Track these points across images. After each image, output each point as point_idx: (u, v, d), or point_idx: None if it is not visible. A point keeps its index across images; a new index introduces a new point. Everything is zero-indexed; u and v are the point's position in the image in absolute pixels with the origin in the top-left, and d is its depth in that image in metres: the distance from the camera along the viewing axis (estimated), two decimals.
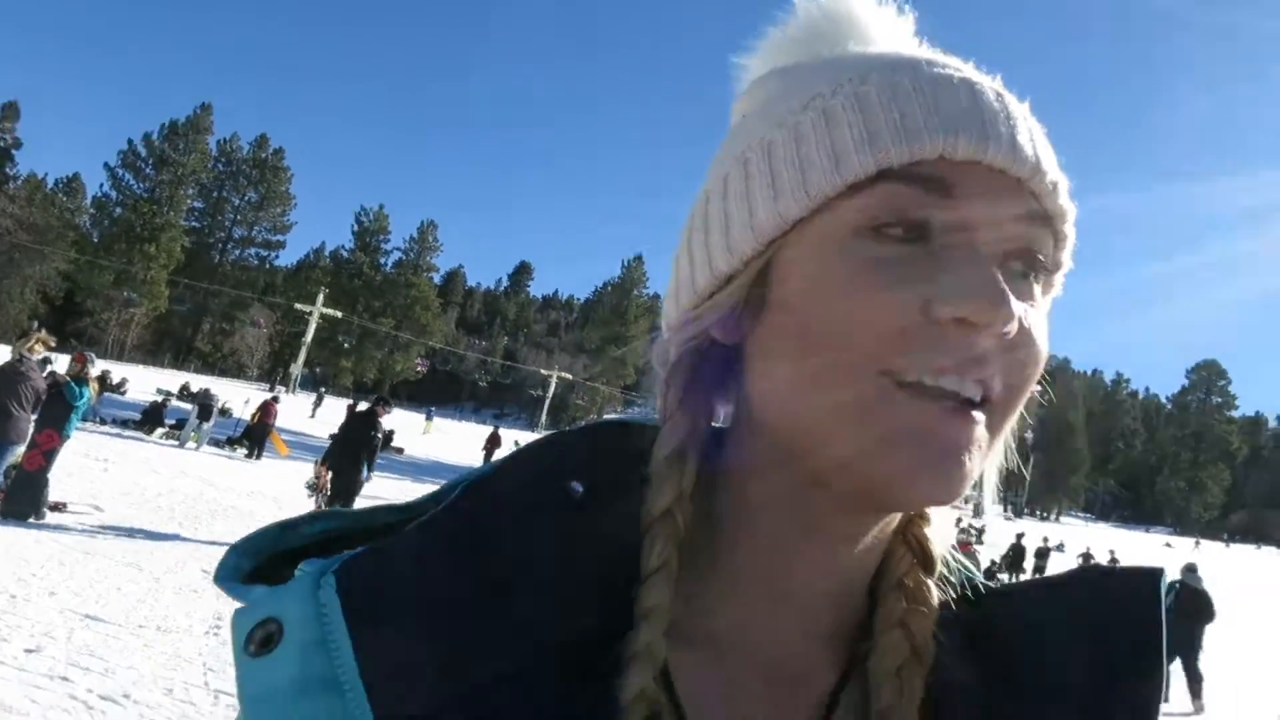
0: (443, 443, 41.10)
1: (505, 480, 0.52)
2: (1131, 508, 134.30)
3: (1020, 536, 29.07)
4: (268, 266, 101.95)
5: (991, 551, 30.47)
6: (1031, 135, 0.49)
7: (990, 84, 0.50)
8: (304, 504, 14.12)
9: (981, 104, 0.48)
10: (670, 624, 0.48)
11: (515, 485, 0.52)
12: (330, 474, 11.19)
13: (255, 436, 20.81)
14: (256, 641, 0.45)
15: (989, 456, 0.48)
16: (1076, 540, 43.46)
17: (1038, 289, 0.49)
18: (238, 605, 0.47)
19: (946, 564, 0.56)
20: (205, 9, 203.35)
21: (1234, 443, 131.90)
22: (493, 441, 30.18)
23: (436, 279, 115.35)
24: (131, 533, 9.29)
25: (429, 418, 54.34)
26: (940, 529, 0.57)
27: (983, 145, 0.46)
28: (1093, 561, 32.00)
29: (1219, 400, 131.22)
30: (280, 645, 0.44)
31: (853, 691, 0.53)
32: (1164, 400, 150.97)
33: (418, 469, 26.86)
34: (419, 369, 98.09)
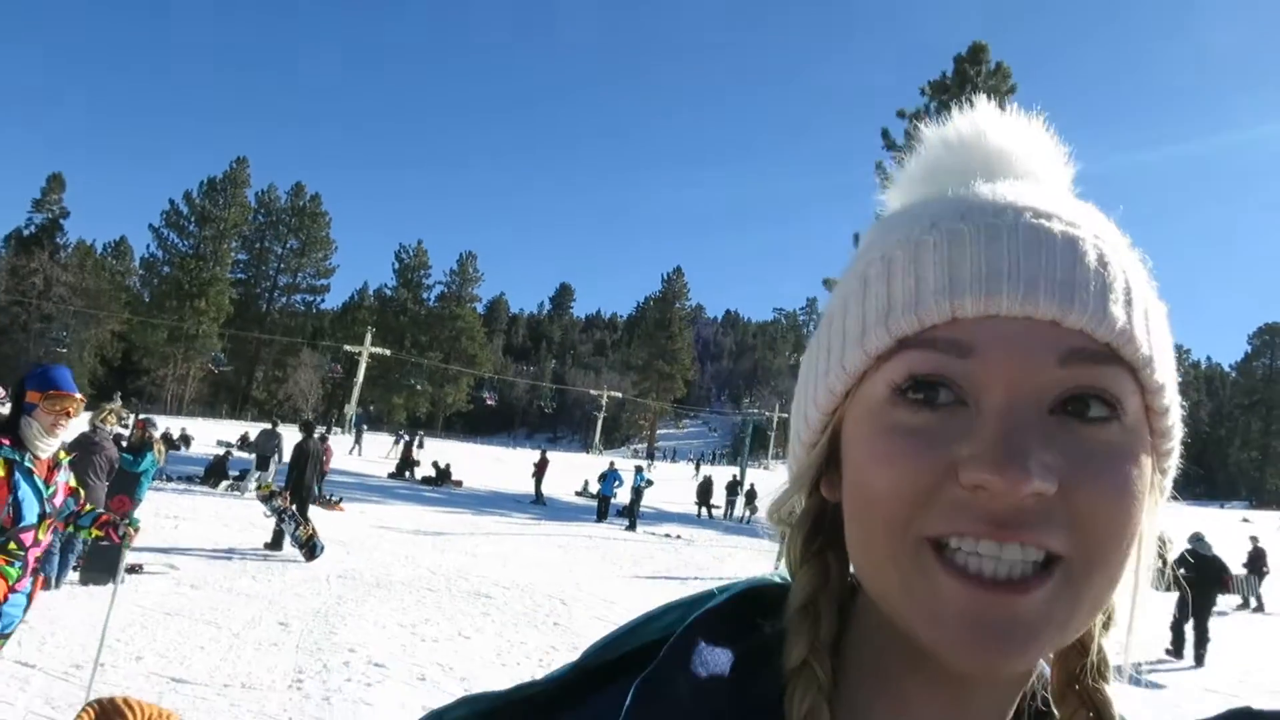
0: (499, 471, 41.27)
1: (672, 683, 0.52)
2: (1204, 484, 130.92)
3: None
4: (314, 311, 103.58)
5: None
6: (1076, 266, 0.46)
7: (1048, 219, 0.48)
8: (371, 545, 14.25)
9: (1004, 251, 0.47)
10: None
11: (681, 686, 0.51)
12: (290, 496, 13.21)
13: (315, 483, 21.04)
14: None
15: (1081, 613, 0.46)
16: (1151, 524, 42.36)
17: (1111, 427, 0.46)
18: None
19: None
20: (230, 67, 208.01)
21: None
22: (541, 465, 30.24)
23: (480, 308, 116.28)
24: (208, 589, 9.42)
25: (419, 444, 46.90)
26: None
27: (993, 299, 0.46)
28: (1190, 547, 31.44)
29: None
30: None
31: None
32: (1227, 369, 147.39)
33: (478, 500, 27.01)
34: (489, 401, 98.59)
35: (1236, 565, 18.03)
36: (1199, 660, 12.62)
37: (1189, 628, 12.75)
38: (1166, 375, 0.49)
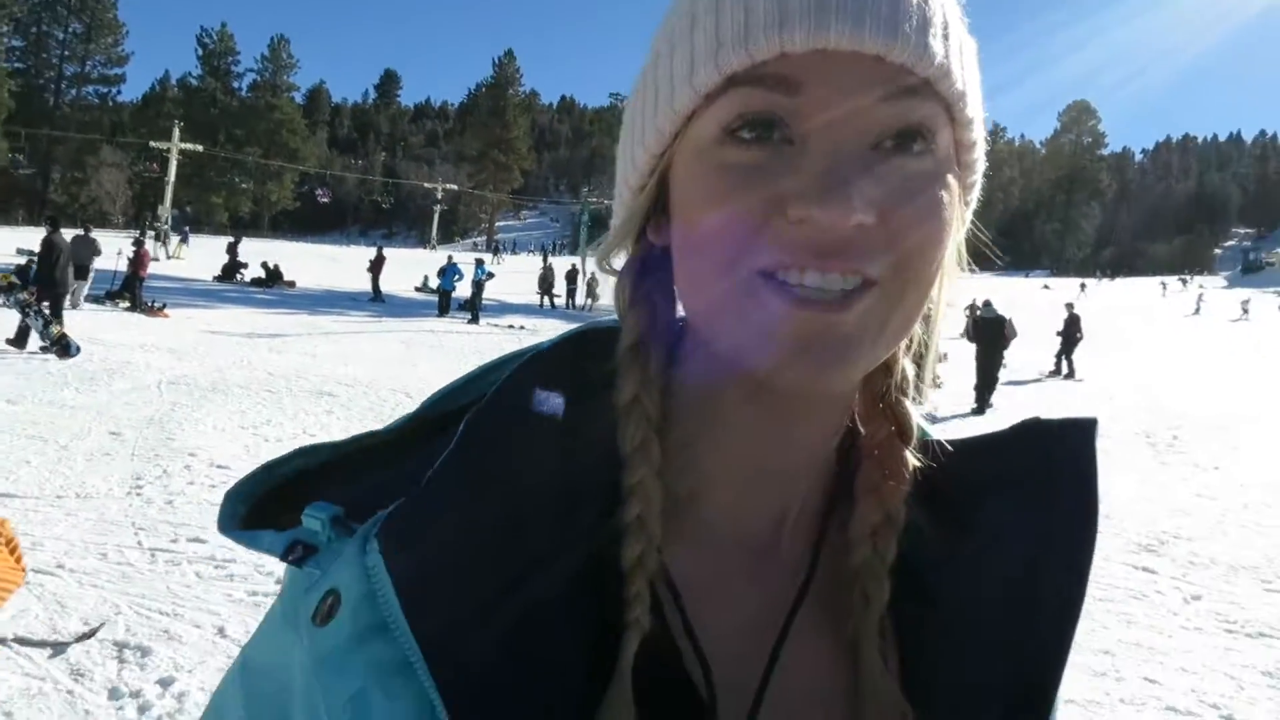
0: (334, 271, 40.02)
1: (501, 419, 0.54)
2: (1010, 254, 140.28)
3: None
4: (111, 104, 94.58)
5: None
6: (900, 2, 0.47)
7: None
8: (203, 350, 13.78)
9: None
10: (661, 513, 0.52)
11: (511, 421, 0.54)
12: (38, 293, 13.03)
13: (133, 287, 19.94)
14: (322, 614, 0.50)
15: (892, 329, 0.49)
16: (962, 294, 45.55)
17: (926, 159, 0.48)
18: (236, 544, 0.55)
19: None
20: None
21: (1104, 180, 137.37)
22: (378, 262, 29.46)
23: (298, 98, 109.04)
24: (26, 403, 8.96)
25: (184, 240, 46.15)
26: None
27: (821, 33, 0.45)
28: (979, 312, 33.84)
29: (1089, 140, 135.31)
30: (340, 610, 0.49)
31: (829, 555, 0.58)
32: (1038, 145, 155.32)
33: (313, 300, 26.27)
34: (323, 199, 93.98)
35: (1039, 328, 19.78)
36: (980, 408, 14.06)
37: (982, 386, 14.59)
38: (975, 110, 0.51)
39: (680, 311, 0.56)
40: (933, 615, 0.57)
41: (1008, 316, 15.75)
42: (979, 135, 0.53)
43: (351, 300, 27.51)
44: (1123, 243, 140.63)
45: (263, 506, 0.58)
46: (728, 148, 0.48)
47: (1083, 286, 60.17)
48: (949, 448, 0.60)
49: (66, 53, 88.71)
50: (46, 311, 12.13)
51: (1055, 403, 14.93)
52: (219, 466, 7.17)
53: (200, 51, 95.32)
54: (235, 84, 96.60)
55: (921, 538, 0.58)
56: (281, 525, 0.55)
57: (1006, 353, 15.62)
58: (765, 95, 0.47)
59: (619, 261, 0.59)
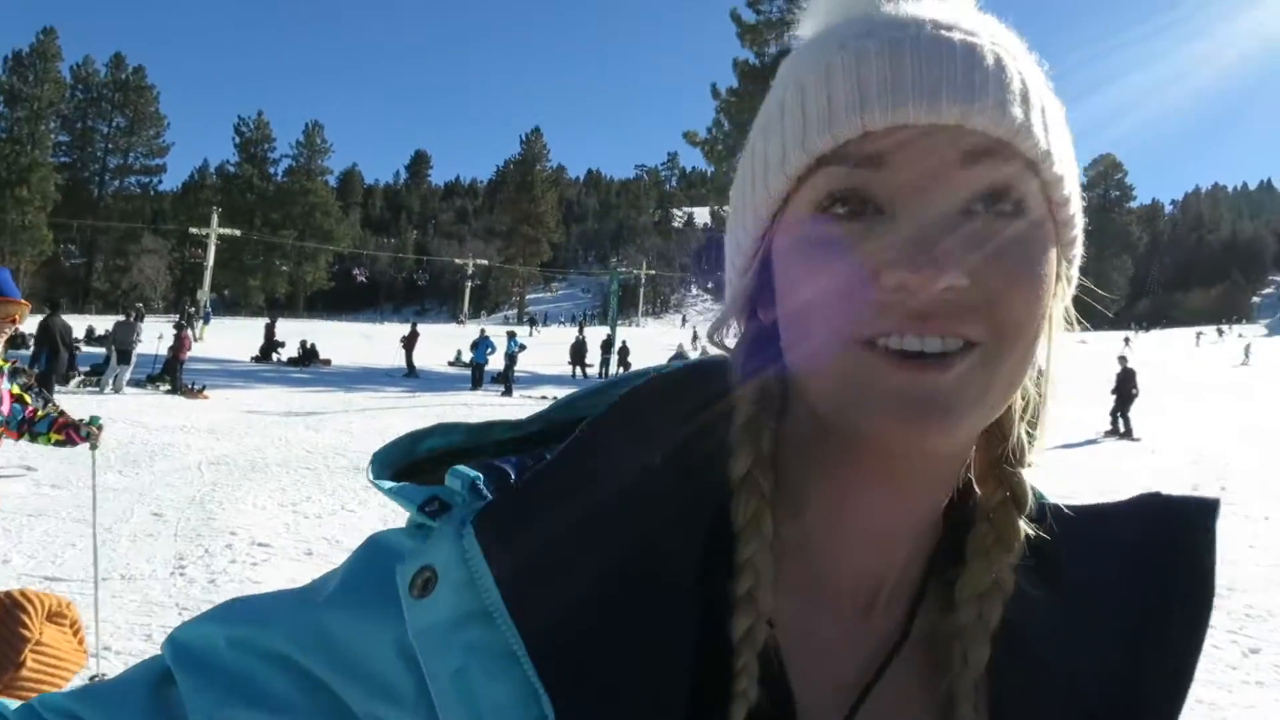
0: (368, 348, 40.54)
1: (613, 429, 0.57)
2: None
3: None
4: (153, 193, 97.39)
5: None
6: (975, 70, 0.49)
7: (948, 29, 0.51)
8: (242, 430, 13.95)
9: (906, 63, 0.49)
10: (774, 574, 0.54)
11: (623, 432, 0.56)
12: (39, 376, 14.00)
13: (174, 371, 20.29)
14: (418, 587, 0.51)
15: (996, 390, 0.50)
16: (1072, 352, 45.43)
17: (1016, 220, 0.50)
18: (377, 532, 0.58)
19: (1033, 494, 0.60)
20: None
21: (1134, 233, 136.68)
22: (411, 338, 29.84)
23: (332, 181, 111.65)
24: (71, 488, 9.09)
25: (206, 322, 44.85)
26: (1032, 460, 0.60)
27: (900, 109, 0.48)
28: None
29: (1117, 194, 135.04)
30: (437, 588, 0.51)
31: (925, 615, 0.59)
32: None
33: (348, 378, 26.57)
34: (360, 278, 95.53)
35: (1079, 383, 19.57)
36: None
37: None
38: (1065, 167, 0.52)
39: (789, 383, 0.58)
40: (1026, 677, 0.57)
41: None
42: (1072, 191, 0.54)
43: (386, 376, 27.79)
44: (1157, 294, 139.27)
45: (403, 473, 0.61)
46: (821, 224, 0.51)
47: (1126, 341, 58.97)
48: (1066, 514, 0.61)
49: (110, 146, 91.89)
50: (45, 393, 12.31)
51: (1110, 466, 14.65)
52: (260, 544, 7.22)
53: (238, 139, 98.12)
54: (271, 169, 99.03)
55: (1026, 601, 0.58)
56: (420, 483, 0.58)
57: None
58: (852, 172, 0.50)
59: (730, 340, 0.61)
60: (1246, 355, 51.26)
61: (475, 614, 0.50)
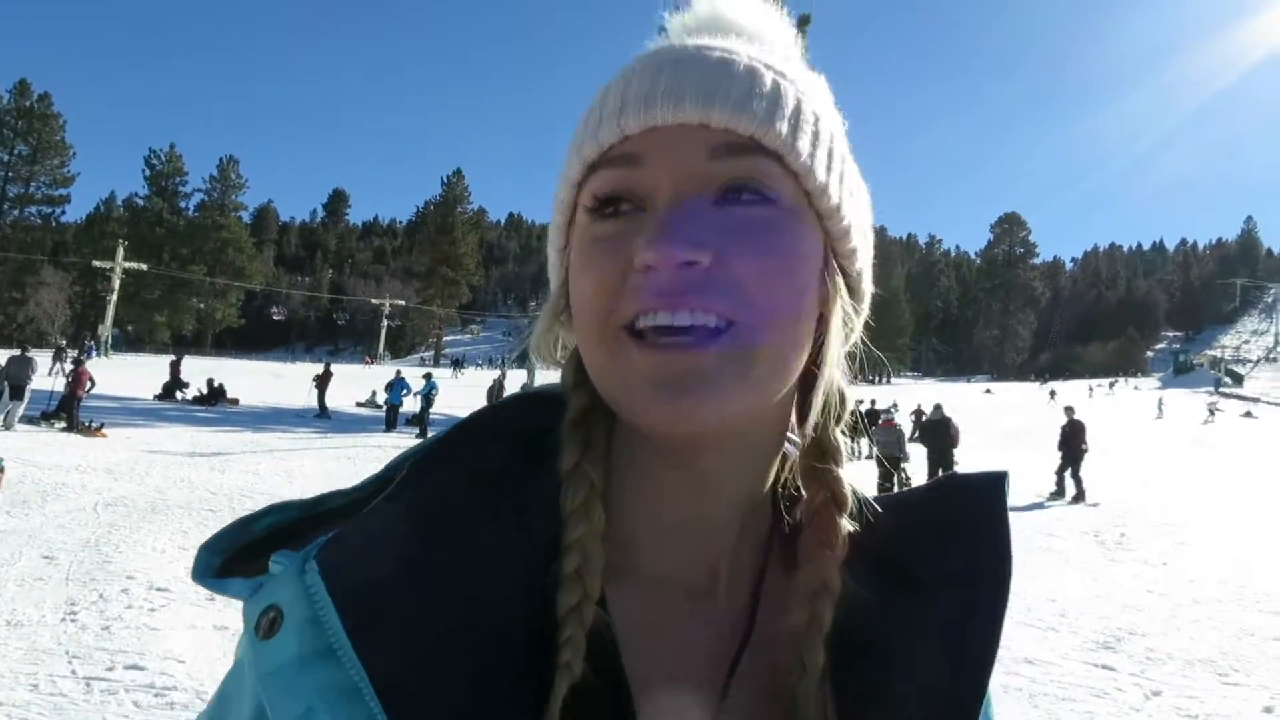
0: (278, 387, 39.47)
1: (445, 467, 0.58)
2: (953, 361, 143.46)
3: (859, 403, 30.48)
4: (54, 224, 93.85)
5: None
6: (722, 78, 0.54)
7: (709, 50, 0.56)
8: (142, 470, 13.39)
9: (662, 75, 0.54)
10: (606, 565, 0.56)
11: (455, 468, 0.58)
12: None
13: (70, 408, 19.45)
14: (264, 628, 0.51)
15: (759, 370, 0.52)
16: (909, 399, 46.17)
17: (761, 207, 0.53)
18: (222, 596, 0.57)
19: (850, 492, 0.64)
20: None
21: (1038, 288, 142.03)
22: (324, 377, 29.16)
23: (246, 217, 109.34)
24: None
25: (89, 356, 42.89)
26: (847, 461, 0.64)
27: (650, 113, 0.53)
28: (924, 417, 34.56)
29: (1021, 250, 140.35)
30: (282, 628, 0.51)
31: (769, 608, 0.62)
32: (973, 256, 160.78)
33: (257, 418, 25.81)
34: (276, 317, 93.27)
35: (986, 430, 19.95)
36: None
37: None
38: (819, 161, 0.56)
39: None
40: (869, 669, 0.60)
41: (952, 419, 16.82)
42: (832, 185, 0.57)
43: (297, 417, 27.06)
44: (1059, 347, 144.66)
45: (234, 560, 0.60)
46: (593, 224, 0.55)
47: (1052, 393, 58.05)
48: (876, 507, 0.65)
49: (10, 174, 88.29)
50: None
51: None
52: (159, 589, 6.90)
53: (148, 172, 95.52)
54: (182, 204, 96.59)
55: (858, 598, 0.60)
56: (250, 575, 0.57)
57: (956, 451, 16.48)
58: (614, 173, 0.54)
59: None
60: (1160, 410, 51.62)
61: (320, 652, 0.49)
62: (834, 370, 0.60)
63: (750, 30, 0.61)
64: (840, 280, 0.59)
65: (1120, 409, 49.43)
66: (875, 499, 0.66)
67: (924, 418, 34.67)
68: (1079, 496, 15.85)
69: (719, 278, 0.51)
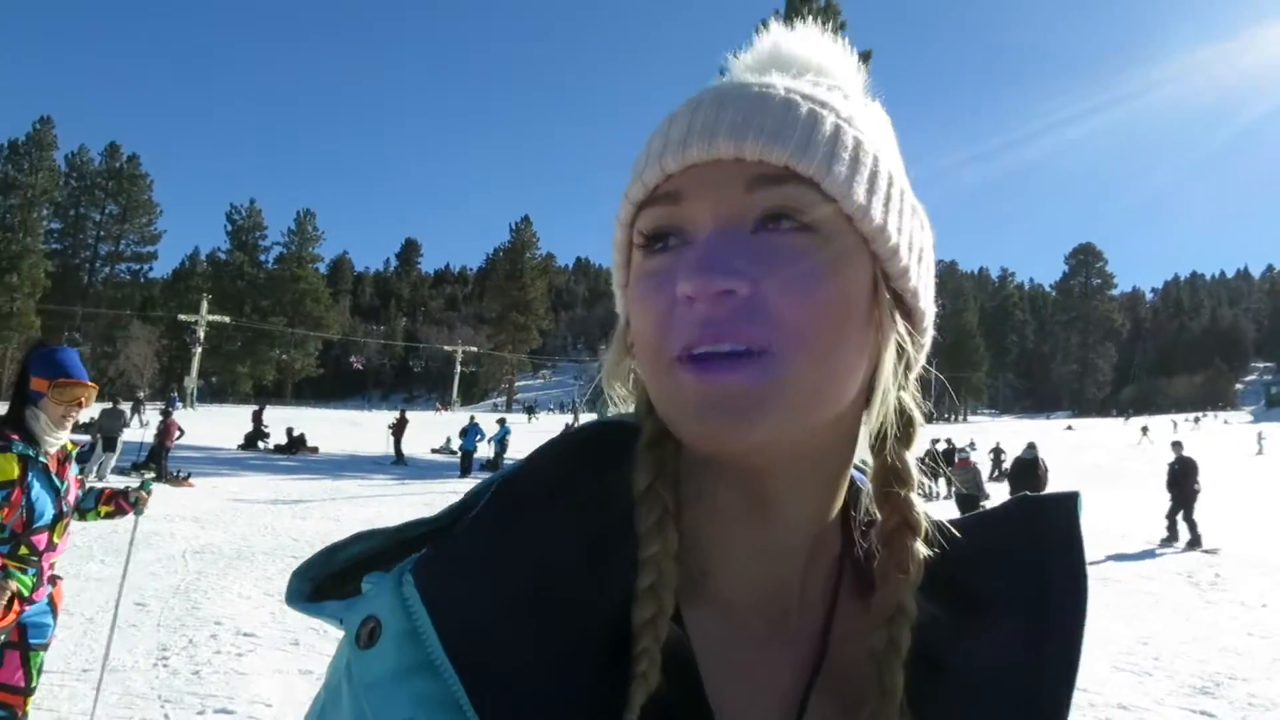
0: (355, 435, 40.32)
1: (524, 485, 0.60)
2: (1031, 397, 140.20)
3: (935, 442, 30.06)
4: (142, 280, 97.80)
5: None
6: (757, 112, 0.55)
7: (745, 85, 0.58)
8: (227, 518, 13.76)
9: (700, 114, 0.56)
10: (680, 588, 0.57)
11: (526, 485, 0.60)
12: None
13: (159, 458, 20.11)
14: (364, 637, 0.53)
15: (796, 393, 0.53)
16: (986, 437, 45.14)
17: (799, 235, 0.54)
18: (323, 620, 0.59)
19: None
20: (28, 15, 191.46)
21: (1117, 320, 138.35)
22: (400, 424, 29.74)
23: (322, 268, 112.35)
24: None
25: (172, 407, 48.03)
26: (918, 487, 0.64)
27: (687, 152, 0.55)
28: (1004, 455, 33.62)
29: (1098, 282, 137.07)
30: (381, 639, 0.53)
31: (843, 632, 0.63)
32: (1048, 288, 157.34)
33: (335, 465, 26.37)
34: (357, 366, 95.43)
35: (1067, 469, 19.41)
36: None
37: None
38: (858, 185, 0.56)
39: None
40: (946, 693, 0.61)
41: (1042, 458, 16.44)
42: (877, 211, 0.57)
43: (374, 464, 27.58)
44: (1142, 380, 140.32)
45: (325, 586, 0.62)
46: (645, 260, 0.58)
47: (1144, 430, 54.32)
48: (951, 530, 0.65)
49: (102, 233, 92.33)
50: None
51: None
52: (245, 634, 7.07)
53: (229, 227, 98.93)
54: (262, 257, 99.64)
55: (935, 621, 0.61)
56: (342, 598, 0.59)
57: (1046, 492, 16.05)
58: (658, 210, 0.57)
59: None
60: (1260, 446, 49.08)
61: (420, 666, 0.52)
62: (890, 393, 0.61)
63: (810, 64, 0.62)
64: (889, 302, 0.59)
65: (1211, 444, 47.69)
66: (950, 521, 0.67)
67: (1002, 455, 34.08)
68: (1194, 542, 14.52)
69: (757, 305, 0.53)
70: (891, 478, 0.64)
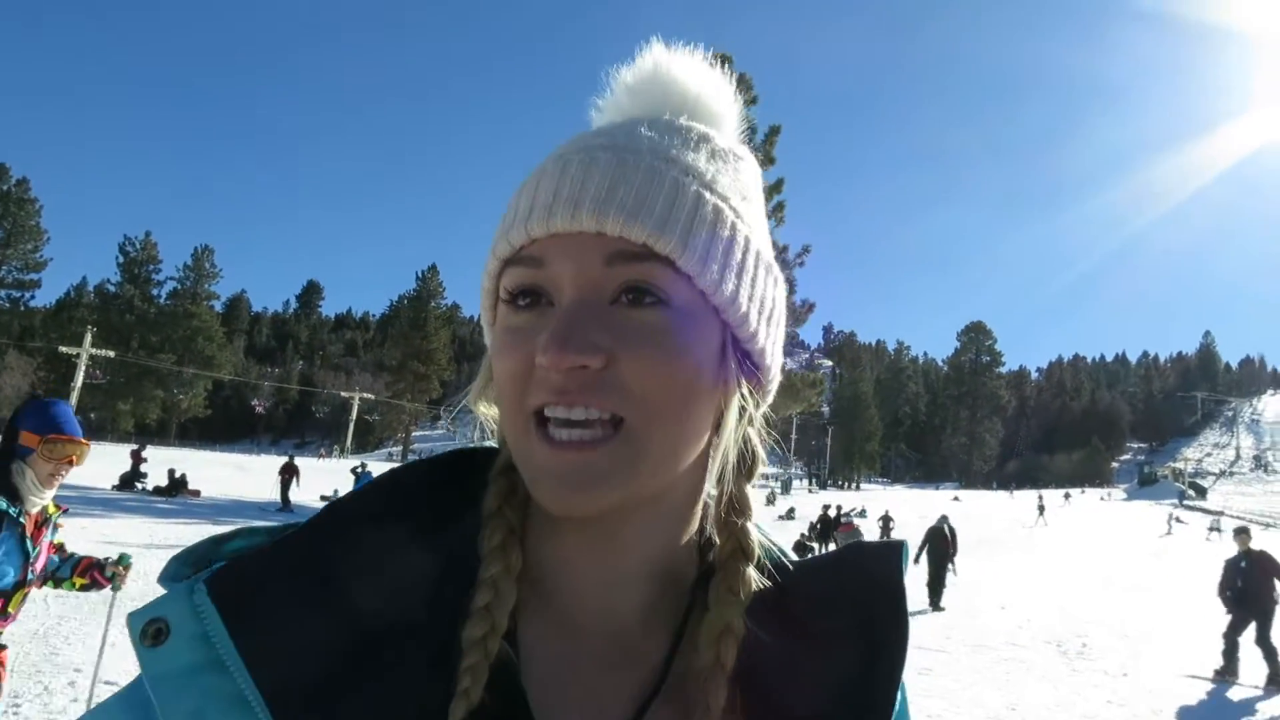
0: (242, 480, 38.97)
1: (357, 499, 0.63)
2: (921, 468, 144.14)
3: (826, 508, 30.68)
4: (22, 309, 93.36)
5: (801, 524, 32.10)
6: (619, 187, 0.57)
7: (610, 149, 0.60)
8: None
9: (565, 180, 0.58)
10: (520, 601, 0.60)
11: (363, 501, 0.62)
12: None
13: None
14: (150, 636, 0.54)
15: (648, 462, 0.57)
16: (877, 504, 46.19)
17: (657, 310, 0.57)
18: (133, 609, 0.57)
19: (761, 547, 0.68)
20: None
21: (1004, 397, 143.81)
22: (288, 470, 28.94)
23: (218, 306, 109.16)
24: None
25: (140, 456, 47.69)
26: (754, 513, 0.68)
27: (551, 220, 0.57)
28: (892, 523, 34.61)
29: (988, 359, 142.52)
30: (170, 639, 0.54)
31: (686, 654, 0.64)
32: (941, 363, 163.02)
33: (218, 510, 25.46)
34: (259, 409, 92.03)
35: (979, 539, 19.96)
36: (934, 604, 15.92)
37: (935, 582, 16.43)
38: (713, 259, 0.59)
39: None
40: (771, 712, 0.63)
41: (951, 528, 17.94)
42: (728, 284, 0.60)
43: (259, 510, 26.72)
44: (1025, 456, 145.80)
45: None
46: (509, 314, 0.60)
47: (1041, 509, 52.33)
48: (789, 568, 0.69)
49: None
50: None
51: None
52: (107, 683, 6.75)
53: (121, 259, 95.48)
54: (155, 291, 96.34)
55: (765, 648, 0.64)
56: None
57: (957, 560, 17.82)
58: (522, 270, 0.59)
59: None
60: (1170, 527, 49.30)
61: (210, 664, 0.53)
62: (734, 436, 0.64)
63: (686, 97, 0.66)
64: (734, 365, 0.62)
65: (1105, 520, 49.59)
66: (789, 561, 0.70)
67: (890, 523, 34.88)
68: (1276, 678, 10.20)
69: (610, 378, 0.55)
70: (732, 507, 0.67)
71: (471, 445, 0.70)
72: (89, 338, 54.18)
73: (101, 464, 38.12)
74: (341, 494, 0.62)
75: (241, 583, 0.56)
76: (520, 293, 0.59)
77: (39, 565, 3.53)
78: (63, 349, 58.79)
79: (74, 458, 3.45)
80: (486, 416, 0.69)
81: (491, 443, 0.70)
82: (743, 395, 0.63)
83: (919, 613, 15.21)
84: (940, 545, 17.00)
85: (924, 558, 16.78)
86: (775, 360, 0.67)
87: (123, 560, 3.89)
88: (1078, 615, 15.58)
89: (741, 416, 0.64)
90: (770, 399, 0.68)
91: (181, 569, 0.60)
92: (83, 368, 52.06)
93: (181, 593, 0.55)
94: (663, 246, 0.57)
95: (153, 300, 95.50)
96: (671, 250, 0.57)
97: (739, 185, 0.64)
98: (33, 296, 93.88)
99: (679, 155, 0.61)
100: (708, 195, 0.60)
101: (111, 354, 63.39)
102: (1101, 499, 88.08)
